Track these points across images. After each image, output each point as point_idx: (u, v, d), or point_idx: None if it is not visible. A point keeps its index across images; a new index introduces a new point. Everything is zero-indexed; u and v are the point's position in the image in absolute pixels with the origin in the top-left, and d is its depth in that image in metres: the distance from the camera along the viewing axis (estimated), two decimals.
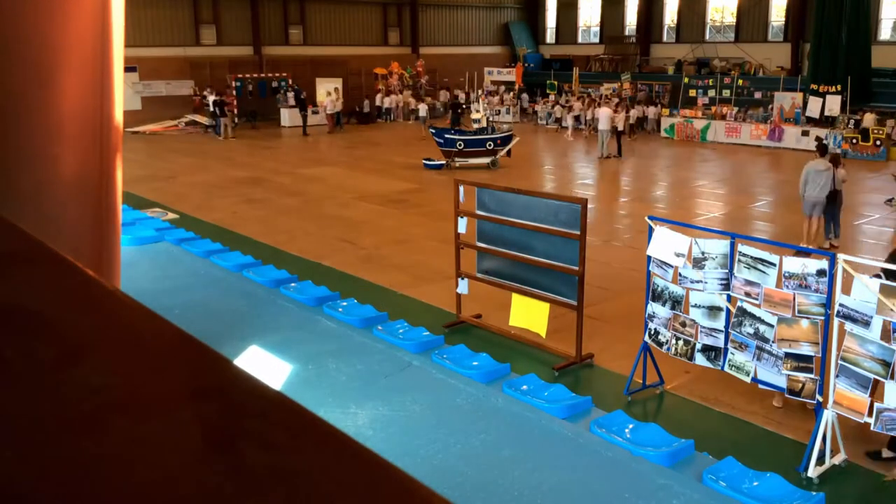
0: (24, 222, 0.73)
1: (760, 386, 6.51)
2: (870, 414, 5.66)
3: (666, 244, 6.91)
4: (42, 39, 1.31)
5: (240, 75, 31.95)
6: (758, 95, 29.31)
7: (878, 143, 22.80)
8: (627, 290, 9.92)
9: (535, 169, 21.80)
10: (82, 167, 1.49)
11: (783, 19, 33.87)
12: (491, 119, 24.00)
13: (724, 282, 6.53)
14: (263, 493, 0.43)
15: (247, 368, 0.55)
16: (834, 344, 5.92)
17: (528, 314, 8.27)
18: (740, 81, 30.68)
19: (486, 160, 20.60)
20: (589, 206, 8.16)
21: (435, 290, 10.07)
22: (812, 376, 6.07)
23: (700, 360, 6.85)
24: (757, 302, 6.31)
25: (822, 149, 13.02)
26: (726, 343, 6.63)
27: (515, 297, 8.42)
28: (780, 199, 17.41)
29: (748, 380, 6.53)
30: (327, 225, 14.35)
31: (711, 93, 30.62)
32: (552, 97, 33.73)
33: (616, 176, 20.68)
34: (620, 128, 23.80)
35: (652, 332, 7.22)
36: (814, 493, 5.61)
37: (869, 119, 24.29)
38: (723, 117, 27.30)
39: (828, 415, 5.91)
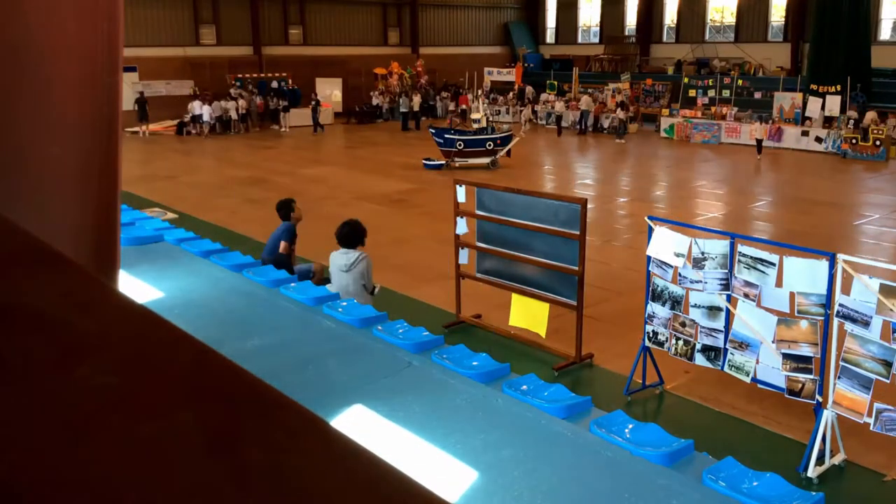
0: (24, 222, 0.73)
1: (760, 386, 6.51)
2: (869, 414, 5.66)
3: (666, 244, 6.91)
4: (43, 38, 1.31)
5: (240, 75, 31.94)
6: (758, 96, 29.31)
7: (877, 143, 22.80)
8: (627, 290, 9.92)
9: (534, 169, 21.80)
10: (82, 167, 1.49)
11: (783, 19, 33.85)
12: (492, 120, 24.01)
13: (723, 282, 6.53)
14: (263, 494, 0.43)
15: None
16: (834, 344, 5.91)
17: (528, 314, 8.26)
18: (740, 81, 30.69)
19: (485, 160, 20.61)
20: (589, 206, 8.16)
21: (434, 290, 10.07)
22: (812, 377, 6.07)
23: (700, 360, 6.85)
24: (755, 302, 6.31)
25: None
26: (726, 343, 6.63)
27: (515, 297, 8.42)
28: (780, 199, 17.41)
29: (748, 380, 6.52)
30: (327, 225, 14.32)
31: (711, 93, 30.62)
32: (551, 97, 33.77)
33: (616, 176, 20.68)
34: None
35: (651, 333, 7.22)
36: (813, 493, 5.58)
37: (869, 117, 24.29)
38: (722, 117, 27.32)
39: (827, 415, 5.91)
